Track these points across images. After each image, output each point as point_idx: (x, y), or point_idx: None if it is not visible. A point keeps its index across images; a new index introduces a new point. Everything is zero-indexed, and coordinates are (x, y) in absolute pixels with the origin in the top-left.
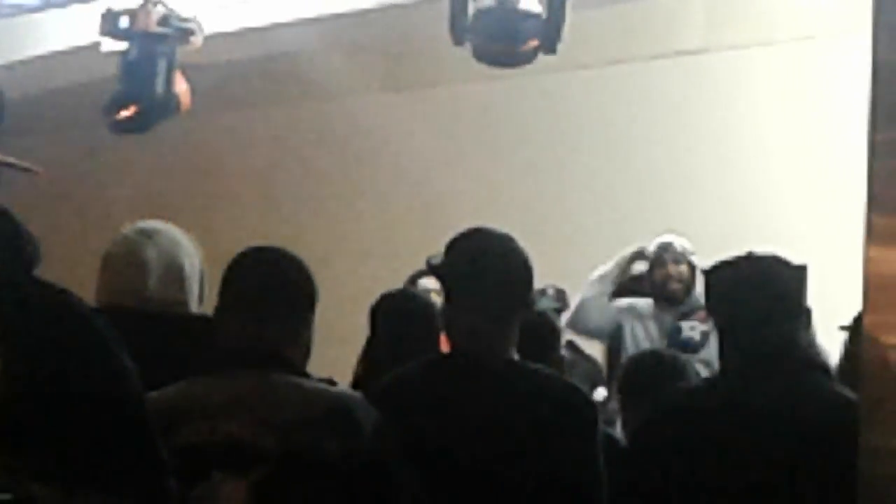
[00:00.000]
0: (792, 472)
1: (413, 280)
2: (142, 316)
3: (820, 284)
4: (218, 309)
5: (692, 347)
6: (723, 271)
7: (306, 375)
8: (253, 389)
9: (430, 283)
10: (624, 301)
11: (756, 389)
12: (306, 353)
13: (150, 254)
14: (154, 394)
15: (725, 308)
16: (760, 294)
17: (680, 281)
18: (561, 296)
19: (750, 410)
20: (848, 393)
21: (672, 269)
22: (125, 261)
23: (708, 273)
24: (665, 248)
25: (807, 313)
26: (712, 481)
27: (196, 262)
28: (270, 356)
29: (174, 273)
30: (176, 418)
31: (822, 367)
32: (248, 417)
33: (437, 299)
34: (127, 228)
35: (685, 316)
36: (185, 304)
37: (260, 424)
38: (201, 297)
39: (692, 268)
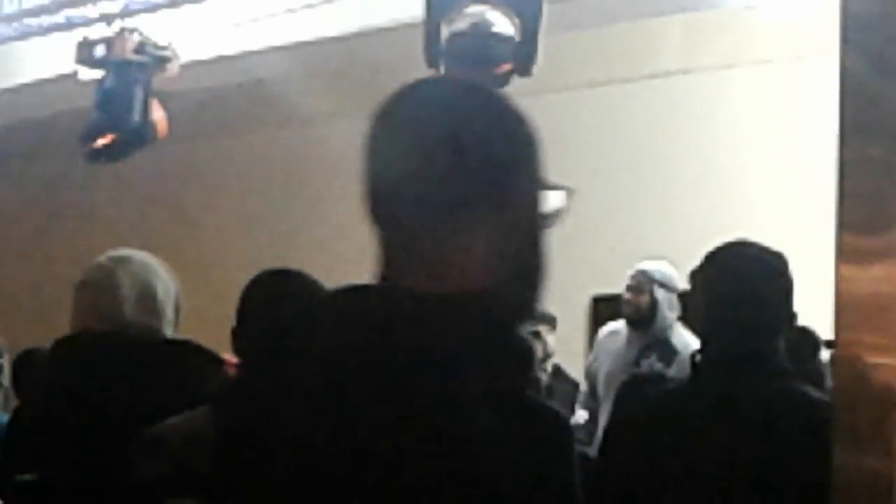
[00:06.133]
0: (761, 474)
1: None
2: (117, 340)
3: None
4: (236, 333)
5: None
6: (706, 270)
7: None
8: None
9: None
10: (606, 328)
11: (730, 393)
12: None
13: (124, 280)
14: (172, 420)
15: (704, 309)
16: (743, 302)
17: (637, 309)
18: (551, 320)
19: (723, 413)
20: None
21: (629, 295)
22: (99, 287)
23: (691, 273)
24: (632, 275)
25: (790, 319)
26: (679, 485)
27: (170, 287)
28: None
29: (148, 298)
30: (203, 445)
31: (797, 374)
32: None
33: None
34: (101, 256)
35: (647, 349)
36: (159, 329)
37: None
38: (176, 322)
39: (653, 298)
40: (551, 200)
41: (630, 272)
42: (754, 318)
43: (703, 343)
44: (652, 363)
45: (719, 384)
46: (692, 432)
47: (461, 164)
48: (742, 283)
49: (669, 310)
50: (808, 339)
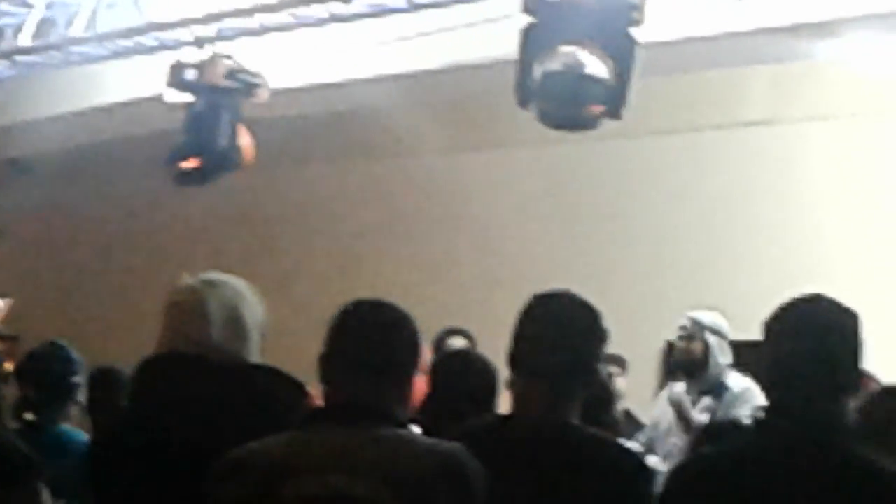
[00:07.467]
0: None
1: (441, 339)
2: (203, 363)
3: (875, 361)
4: (324, 361)
5: None
6: (777, 323)
7: (409, 429)
8: (363, 444)
9: (457, 342)
10: (670, 387)
11: (792, 454)
12: (409, 405)
13: (213, 304)
14: (255, 444)
15: (772, 363)
16: (810, 360)
17: (688, 355)
18: (621, 362)
19: (784, 474)
20: (887, 468)
21: (682, 343)
22: (188, 310)
23: (764, 325)
24: (683, 324)
25: (857, 379)
26: None
27: (257, 313)
28: (377, 411)
29: (235, 323)
30: (283, 471)
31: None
32: (360, 472)
33: None
34: (190, 278)
35: (702, 394)
36: (245, 353)
37: (373, 479)
38: (261, 349)
39: (706, 345)
40: None
41: (681, 321)
42: (821, 376)
43: (768, 398)
44: (707, 403)
45: (782, 443)
46: (742, 492)
47: None
48: (811, 340)
49: (722, 355)
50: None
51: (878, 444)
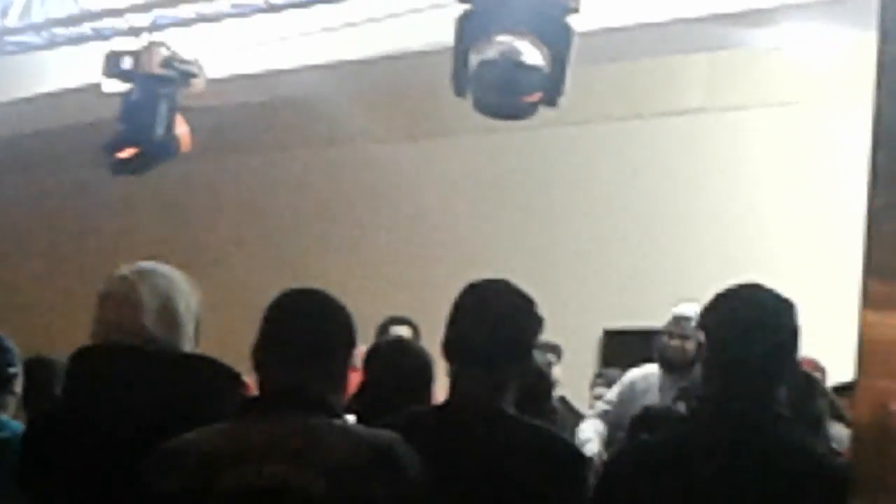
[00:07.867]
0: None
1: (385, 327)
2: (137, 353)
3: (812, 348)
4: (258, 350)
5: None
6: (711, 312)
7: (343, 418)
8: (297, 433)
9: (401, 330)
10: (638, 370)
11: (721, 440)
12: (343, 394)
13: (146, 293)
14: (190, 435)
15: (706, 351)
16: (741, 347)
17: (683, 354)
18: (556, 349)
19: (712, 460)
20: (824, 453)
21: (675, 341)
22: (121, 299)
23: (700, 314)
24: (676, 320)
25: (791, 367)
26: None
27: (191, 302)
28: (312, 400)
29: (169, 312)
30: (219, 462)
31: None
32: (294, 461)
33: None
34: (123, 268)
35: (685, 391)
36: (179, 343)
37: (307, 468)
38: (196, 338)
39: (699, 345)
40: None
41: (673, 316)
42: (752, 363)
43: (703, 386)
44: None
45: (712, 429)
46: (680, 479)
47: None
48: (746, 328)
49: None
50: (807, 383)
51: None
